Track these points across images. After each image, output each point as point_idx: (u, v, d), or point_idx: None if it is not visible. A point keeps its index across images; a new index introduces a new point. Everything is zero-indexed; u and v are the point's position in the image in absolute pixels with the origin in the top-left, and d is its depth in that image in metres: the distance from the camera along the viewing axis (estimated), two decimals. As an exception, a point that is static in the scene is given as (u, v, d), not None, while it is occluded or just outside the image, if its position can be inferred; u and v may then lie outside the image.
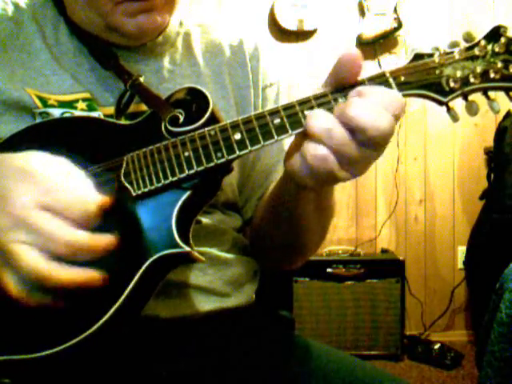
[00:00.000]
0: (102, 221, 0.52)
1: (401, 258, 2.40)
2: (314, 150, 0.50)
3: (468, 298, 2.66)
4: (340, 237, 2.63)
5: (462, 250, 2.61)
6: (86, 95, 0.70)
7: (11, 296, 0.50)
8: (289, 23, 2.51)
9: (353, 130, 0.49)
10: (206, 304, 0.71)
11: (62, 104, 0.69)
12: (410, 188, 2.69)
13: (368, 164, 0.53)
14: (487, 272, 1.88)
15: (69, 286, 0.50)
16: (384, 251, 2.59)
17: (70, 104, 0.69)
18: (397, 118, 0.50)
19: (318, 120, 0.50)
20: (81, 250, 0.50)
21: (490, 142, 2.44)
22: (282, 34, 2.58)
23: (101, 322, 0.51)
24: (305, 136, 0.52)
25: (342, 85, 0.54)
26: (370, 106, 0.49)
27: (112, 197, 0.54)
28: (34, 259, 0.49)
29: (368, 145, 0.50)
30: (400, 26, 2.52)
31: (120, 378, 0.64)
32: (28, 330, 0.54)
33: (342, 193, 2.64)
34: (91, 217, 0.52)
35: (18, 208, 0.50)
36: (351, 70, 0.52)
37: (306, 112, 0.53)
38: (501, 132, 2.31)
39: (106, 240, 0.52)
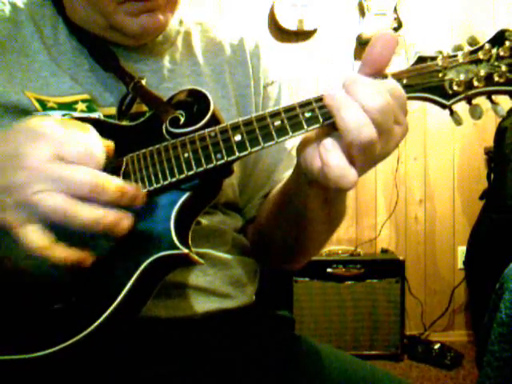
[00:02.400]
0: None
1: (401, 257, 2.40)
2: (336, 161, 0.50)
3: (468, 298, 2.66)
4: (340, 237, 2.63)
5: (461, 250, 2.61)
6: (86, 96, 0.70)
7: (36, 251, 0.49)
8: (289, 23, 2.51)
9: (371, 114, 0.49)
10: (206, 304, 0.71)
11: (62, 106, 0.69)
12: (409, 188, 2.69)
13: (381, 159, 0.53)
14: (487, 272, 1.88)
15: (97, 226, 0.49)
16: (384, 251, 2.59)
17: (70, 106, 0.69)
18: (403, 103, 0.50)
19: (349, 110, 0.49)
20: (105, 189, 0.50)
21: (490, 141, 2.44)
22: (282, 33, 2.58)
23: (98, 322, 0.51)
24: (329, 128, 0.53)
25: (372, 69, 0.53)
26: (382, 90, 0.50)
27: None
28: (58, 201, 0.49)
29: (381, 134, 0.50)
30: (400, 25, 2.52)
31: (120, 378, 0.63)
32: (25, 330, 0.54)
33: (342, 193, 2.63)
34: (101, 163, 0.52)
35: (34, 162, 0.49)
36: (384, 50, 0.52)
37: (314, 104, 0.53)
38: (501, 132, 2.31)
39: (132, 186, 0.52)
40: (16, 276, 0.55)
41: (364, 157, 0.50)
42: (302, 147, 0.56)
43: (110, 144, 0.56)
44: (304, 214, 0.67)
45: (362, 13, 2.57)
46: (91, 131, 0.54)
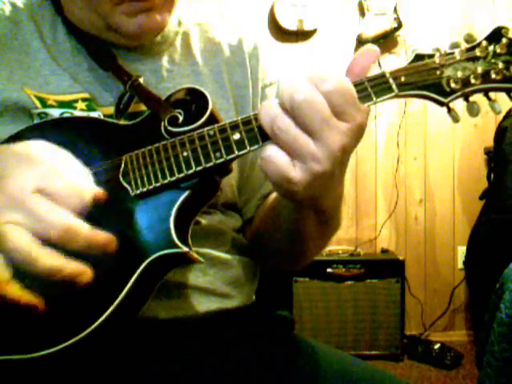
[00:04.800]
0: (100, 220, 0.52)
1: (401, 257, 2.40)
2: (262, 150, 0.50)
3: (468, 298, 2.66)
4: (340, 237, 2.62)
5: (461, 250, 2.61)
6: (85, 95, 0.70)
7: None
8: (289, 23, 2.51)
9: (291, 113, 0.49)
10: (205, 304, 0.70)
11: (62, 104, 0.69)
12: (409, 188, 2.69)
13: (328, 157, 0.49)
14: (487, 272, 1.88)
15: (54, 275, 0.48)
16: (384, 251, 2.59)
17: (70, 104, 0.69)
18: (331, 96, 0.49)
19: (264, 108, 0.51)
20: (75, 237, 0.49)
21: (490, 141, 2.44)
22: (282, 33, 2.58)
23: (98, 322, 0.51)
24: None
25: (353, 76, 0.53)
26: (295, 84, 0.49)
27: (107, 191, 0.53)
28: (24, 240, 0.47)
29: (307, 129, 0.49)
30: (400, 26, 2.52)
31: (120, 378, 0.63)
32: (24, 330, 0.54)
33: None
34: (86, 206, 0.51)
35: (15, 189, 0.49)
36: (367, 62, 0.53)
37: None
38: (501, 132, 2.31)
39: (104, 235, 0.51)
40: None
41: (296, 152, 0.49)
42: None
43: (101, 193, 0.53)
44: (295, 225, 0.66)
45: (362, 13, 2.57)
46: (84, 172, 0.54)
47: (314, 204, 0.58)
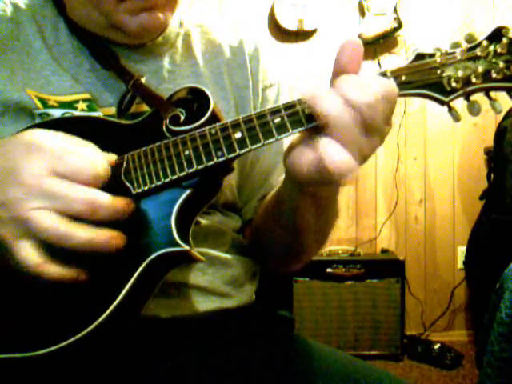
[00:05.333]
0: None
1: (401, 257, 2.40)
2: (336, 154, 0.49)
3: (468, 298, 2.66)
4: (340, 237, 2.63)
5: (461, 250, 2.61)
6: (86, 96, 0.70)
7: (29, 268, 0.50)
8: (289, 23, 2.51)
9: (353, 105, 0.49)
10: (205, 304, 0.71)
11: (63, 104, 0.69)
12: (409, 188, 2.69)
13: (367, 155, 0.52)
14: (487, 272, 1.88)
15: (91, 246, 0.50)
16: (384, 251, 2.59)
17: (71, 104, 0.69)
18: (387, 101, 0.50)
19: (326, 100, 0.50)
20: (99, 208, 0.50)
21: (490, 142, 2.44)
22: (282, 33, 2.58)
23: (99, 320, 0.51)
24: (309, 130, 0.52)
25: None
26: (366, 83, 0.50)
27: (108, 190, 0.54)
28: (53, 221, 0.49)
29: (366, 128, 0.50)
30: (400, 25, 2.52)
31: (120, 378, 0.63)
32: (25, 328, 0.54)
33: (342, 193, 2.64)
34: (101, 178, 0.52)
35: (30, 177, 0.50)
36: (352, 56, 0.52)
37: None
38: (501, 132, 2.31)
39: (124, 200, 0.53)
40: (15, 279, 0.55)
41: (352, 146, 0.50)
42: (288, 154, 0.56)
43: (113, 158, 0.56)
44: (296, 221, 0.67)
45: (362, 13, 2.57)
46: (92, 146, 0.55)
47: (315, 194, 0.60)
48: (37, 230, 0.49)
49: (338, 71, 0.52)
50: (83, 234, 0.50)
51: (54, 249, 0.50)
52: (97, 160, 0.53)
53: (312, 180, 0.53)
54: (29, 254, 0.50)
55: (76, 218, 0.50)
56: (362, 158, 0.52)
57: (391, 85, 0.51)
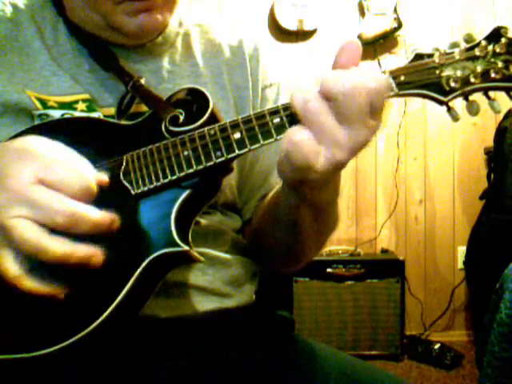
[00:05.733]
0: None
1: (401, 258, 2.40)
2: (290, 133, 0.50)
3: (468, 298, 2.66)
4: (340, 237, 2.62)
5: (461, 250, 2.60)
6: (86, 96, 0.70)
7: (8, 278, 0.49)
8: (289, 23, 2.51)
9: (327, 98, 0.49)
10: (205, 304, 0.71)
11: (62, 105, 0.69)
12: (409, 188, 2.69)
13: (350, 149, 0.51)
14: (487, 272, 1.88)
15: (66, 261, 0.49)
16: (384, 251, 2.59)
17: (70, 105, 0.69)
18: (371, 93, 0.49)
19: (298, 93, 0.51)
20: (81, 221, 0.50)
21: (490, 141, 2.44)
22: (282, 33, 2.58)
23: (98, 321, 0.51)
24: None
25: None
26: (345, 75, 0.49)
27: (107, 191, 0.54)
28: (32, 232, 0.48)
29: (343, 118, 0.49)
30: (400, 25, 2.52)
31: (119, 378, 0.63)
32: (24, 329, 0.54)
33: (342, 193, 2.64)
34: (89, 192, 0.52)
35: (16, 184, 0.49)
36: (350, 57, 0.52)
37: None
38: (501, 132, 2.31)
39: (108, 217, 0.52)
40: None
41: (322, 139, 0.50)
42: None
43: (104, 178, 0.55)
44: (295, 224, 0.67)
45: (362, 13, 2.57)
46: (85, 161, 0.54)
47: (311, 197, 0.59)
48: (14, 239, 0.49)
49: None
50: (59, 248, 0.49)
51: (28, 257, 0.50)
52: (86, 175, 0.52)
53: (289, 176, 0.54)
54: (8, 264, 0.50)
55: (58, 230, 0.49)
56: (347, 152, 0.50)
57: (378, 77, 0.50)
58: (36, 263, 0.50)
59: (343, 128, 0.50)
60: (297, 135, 0.50)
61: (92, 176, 0.53)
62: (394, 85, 0.53)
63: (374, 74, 0.50)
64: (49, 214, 0.49)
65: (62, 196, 0.50)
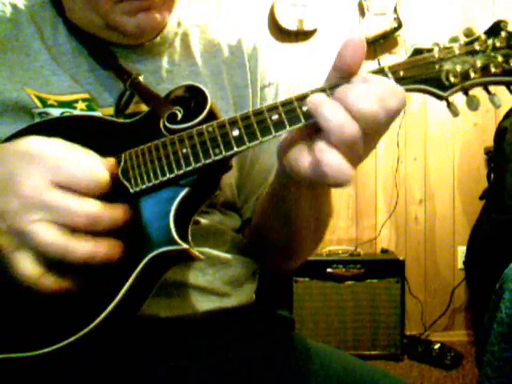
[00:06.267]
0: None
1: (401, 258, 2.40)
2: (333, 160, 0.49)
3: (468, 298, 2.66)
4: (340, 237, 2.63)
5: (461, 250, 2.60)
6: (86, 96, 0.70)
7: (26, 280, 0.49)
8: (289, 23, 2.51)
9: (356, 118, 0.48)
10: (205, 304, 0.70)
11: (62, 104, 0.69)
12: (409, 188, 2.69)
13: (365, 157, 0.53)
14: (487, 272, 1.88)
15: (90, 259, 0.49)
16: (384, 251, 2.59)
17: (70, 104, 0.69)
18: (396, 109, 0.49)
19: (329, 111, 0.49)
20: (100, 219, 0.50)
21: (490, 141, 2.44)
22: (282, 33, 2.58)
23: (98, 319, 0.51)
24: (308, 129, 0.52)
25: (343, 73, 0.52)
26: (371, 95, 0.48)
27: (115, 163, 0.55)
28: (53, 235, 0.48)
29: (367, 134, 0.49)
30: (400, 25, 2.52)
31: (119, 377, 0.63)
32: (24, 328, 0.54)
33: (342, 193, 2.64)
34: (102, 183, 0.52)
35: (29, 189, 0.49)
36: (355, 54, 0.51)
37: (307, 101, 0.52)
38: (501, 132, 2.31)
39: (122, 208, 0.53)
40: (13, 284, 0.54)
41: (351, 153, 0.49)
42: (283, 150, 0.55)
43: (112, 161, 0.56)
44: (293, 215, 0.67)
45: (362, 13, 2.57)
46: (90, 152, 0.54)
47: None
48: (37, 243, 0.49)
49: (339, 67, 0.52)
50: (84, 248, 0.49)
51: (52, 259, 0.50)
52: (96, 166, 0.52)
53: (307, 180, 0.53)
54: (27, 266, 0.49)
55: (75, 229, 0.50)
56: (358, 160, 0.52)
57: (397, 90, 0.50)
58: (50, 262, 0.50)
59: (365, 143, 0.50)
60: (327, 158, 0.49)
61: (101, 166, 0.53)
62: (393, 80, 0.52)
63: (396, 89, 0.50)
64: (67, 216, 0.49)
65: (77, 196, 0.50)
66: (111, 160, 0.56)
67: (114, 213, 0.51)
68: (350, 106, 0.48)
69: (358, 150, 0.50)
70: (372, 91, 0.48)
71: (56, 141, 0.55)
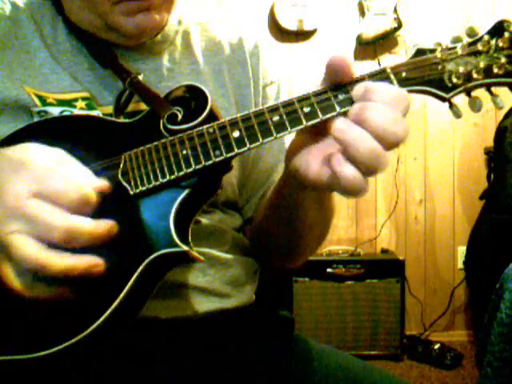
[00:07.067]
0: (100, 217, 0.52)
1: (401, 257, 2.40)
2: (351, 175, 0.48)
3: (468, 298, 2.66)
4: (340, 237, 2.62)
5: (461, 250, 2.60)
6: (85, 94, 0.70)
7: (13, 290, 0.49)
8: (289, 23, 2.51)
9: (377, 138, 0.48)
10: (205, 304, 0.70)
11: (61, 102, 0.69)
12: (409, 188, 2.69)
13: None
14: (487, 272, 1.88)
15: (69, 274, 0.49)
16: (384, 251, 2.59)
17: (69, 103, 0.69)
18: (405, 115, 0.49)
19: (347, 129, 0.49)
20: (79, 235, 0.49)
21: (490, 141, 2.44)
22: (282, 33, 2.58)
23: (98, 321, 0.51)
24: (319, 135, 0.52)
25: (336, 80, 0.52)
26: (387, 110, 0.48)
27: (109, 182, 0.53)
28: (30, 248, 0.48)
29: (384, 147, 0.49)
30: (400, 25, 2.52)
31: (120, 378, 0.63)
32: (24, 331, 0.54)
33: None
34: (88, 202, 0.51)
35: (12, 198, 0.49)
36: (343, 71, 0.51)
37: (318, 112, 0.52)
38: (501, 132, 2.31)
39: (105, 225, 0.51)
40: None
41: (366, 166, 0.49)
42: (292, 154, 0.55)
43: (105, 184, 0.54)
44: (297, 214, 0.67)
45: (362, 13, 2.57)
46: (84, 169, 0.53)
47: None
48: (13, 255, 0.48)
49: (332, 82, 0.53)
50: (60, 263, 0.48)
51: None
52: (84, 183, 0.51)
53: (317, 186, 0.53)
54: (12, 277, 0.49)
55: (53, 243, 0.49)
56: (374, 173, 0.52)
57: (403, 95, 0.50)
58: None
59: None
60: (348, 173, 0.49)
61: (90, 185, 0.52)
62: (395, 81, 0.52)
63: (409, 99, 0.50)
64: (46, 230, 0.48)
65: (58, 210, 0.49)
66: (104, 181, 0.54)
67: (96, 229, 0.50)
68: (369, 122, 0.48)
69: (374, 164, 0.49)
70: (387, 104, 0.48)
71: (54, 150, 0.54)
